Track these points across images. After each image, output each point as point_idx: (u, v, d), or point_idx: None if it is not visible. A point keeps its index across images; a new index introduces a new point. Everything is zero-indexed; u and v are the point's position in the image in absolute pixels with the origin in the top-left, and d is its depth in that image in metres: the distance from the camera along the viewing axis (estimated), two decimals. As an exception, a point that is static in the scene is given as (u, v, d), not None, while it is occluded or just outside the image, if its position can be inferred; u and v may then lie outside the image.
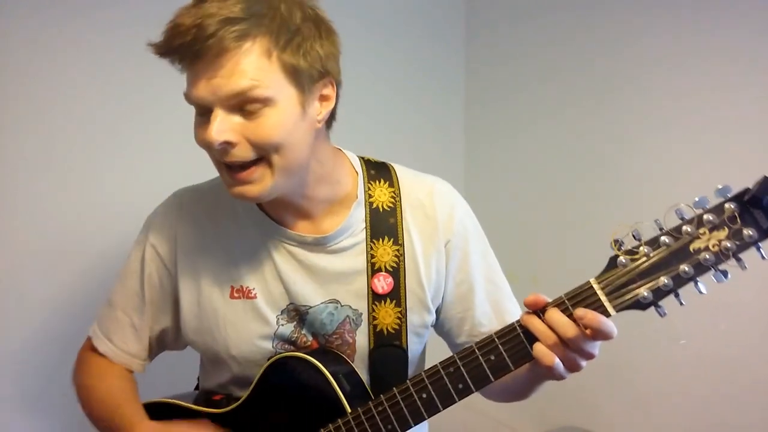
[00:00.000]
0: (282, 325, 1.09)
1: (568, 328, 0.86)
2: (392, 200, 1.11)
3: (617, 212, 1.81)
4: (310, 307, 1.09)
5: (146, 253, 1.13)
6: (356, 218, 1.09)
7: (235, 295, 1.09)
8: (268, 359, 1.08)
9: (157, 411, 1.13)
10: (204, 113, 0.93)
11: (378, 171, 1.13)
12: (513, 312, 1.14)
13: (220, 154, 0.93)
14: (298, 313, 1.10)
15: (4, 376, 1.59)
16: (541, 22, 2.02)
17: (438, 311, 1.15)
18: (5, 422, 1.59)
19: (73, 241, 1.62)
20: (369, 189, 1.11)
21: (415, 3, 2.17)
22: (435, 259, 1.11)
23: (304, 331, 1.10)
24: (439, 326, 1.18)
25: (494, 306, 1.14)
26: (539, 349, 0.87)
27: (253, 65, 0.89)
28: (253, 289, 1.09)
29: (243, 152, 0.93)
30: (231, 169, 0.95)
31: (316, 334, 1.10)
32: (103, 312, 1.19)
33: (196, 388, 1.30)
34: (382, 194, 1.11)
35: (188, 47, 0.87)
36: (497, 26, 2.18)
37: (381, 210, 1.10)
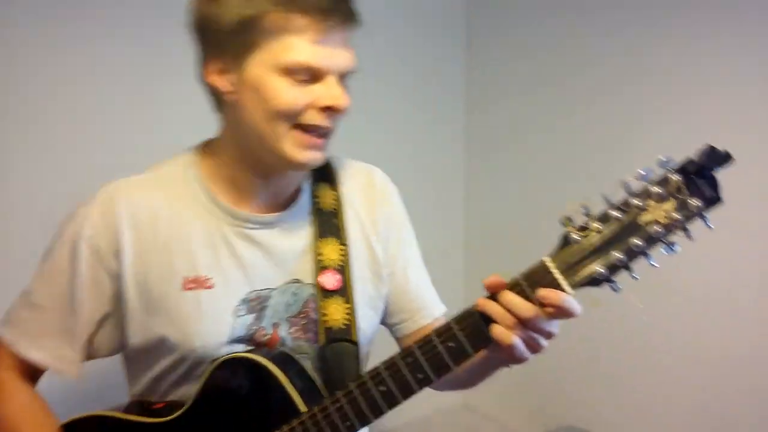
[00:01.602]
0: (240, 316, 1.05)
1: (525, 308, 0.86)
2: (334, 201, 1.13)
3: None
4: (273, 290, 1.07)
5: (79, 250, 1.04)
6: (305, 198, 1.13)
7: (189, 286, 1.04)
8: (212, 362, 1.03)
9: (89, 428, 1.05)
10: (310, 79, 0.97)
11: (321, 171, 1.15)
12: (434, 294, 1.22)
13: (329, 119, 0.99)
14: (258, 302, 1.07)
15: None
16: (542, 25, 2.04)
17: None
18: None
19: None
20: (315, 190, 1.14)
21: (417, 4, 2.19)
22: (379, 237, 1.15)
23: (263, 324, 1.07)
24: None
25: (424, 284, 1.21)
26: (498, 331, 0.86)
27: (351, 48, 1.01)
28: (210, 278, 1.04)
29: (335, 120, 1.01)
30: (311, 134, 1.00)
31: (277, 323, 1.08)
32: (23, 315, 1.08)
33: None
34: (326, 195, 1.14)
35: (346, 12, 0.97)
36: (498, 28, 2.21)
37: (325, 210, 1.13)
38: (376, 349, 1.16)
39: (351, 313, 1.08)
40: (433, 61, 2.22)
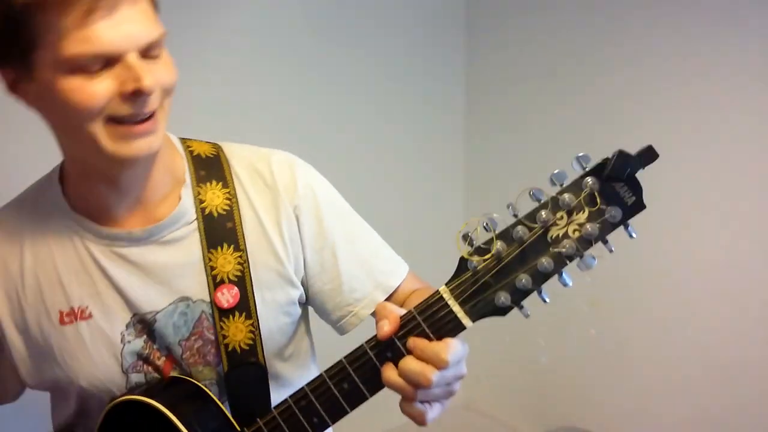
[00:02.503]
0: (128, 342, 0.96)
1: (425, 375, 0.74)
2: (227, 201, 0.98)
3: None
4: (157, 312, 0.96)
5: None
6: (187, 204, 0.97)
7: (66, 319, 0.94)
8: (107, 404, 0.94)
9: None
10: (105, 65, 0.81)
11: (208, 170, 0.99)
12: (386, 269, 1.03)
13: (140, 104, 0.83)
14: (144, 325, 0.96)
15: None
16: (542, 20, 2.02)
17: (305, 286, 1.02)
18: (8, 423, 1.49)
19: None
20: (199, 194, 0.98)
21: (416, 3, 2.17)
22: (286, 228, 0.98)
23: (156, 345, 0.97)
24: (313, 304, 1.05)
25: (364, 266, 1.02)
26: (406, 410, 0.77)
27: (150, 9, 0.85)
28: (87, 307, 0.94)
29: (156, 99, 0.85)
30: (133, 122, 0.84)
31: (169, 347, 0.97)
32: None
33: None
34: (214, 197, 0.98)
35: None
36: (498, 23, 2.18)
37: (216, 215, 0.97)
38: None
39: (255, 329, 0.96)
40: (433, 58, 2.19)
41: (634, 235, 0.73)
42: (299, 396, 0.84)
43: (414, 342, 0.74)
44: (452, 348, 0.74)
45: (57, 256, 0.95)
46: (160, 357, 0.97)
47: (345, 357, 0.81)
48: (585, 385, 1.70)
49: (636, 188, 0.71)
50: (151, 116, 0.85)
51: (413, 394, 0.75)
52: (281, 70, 2.00)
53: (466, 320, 0.74)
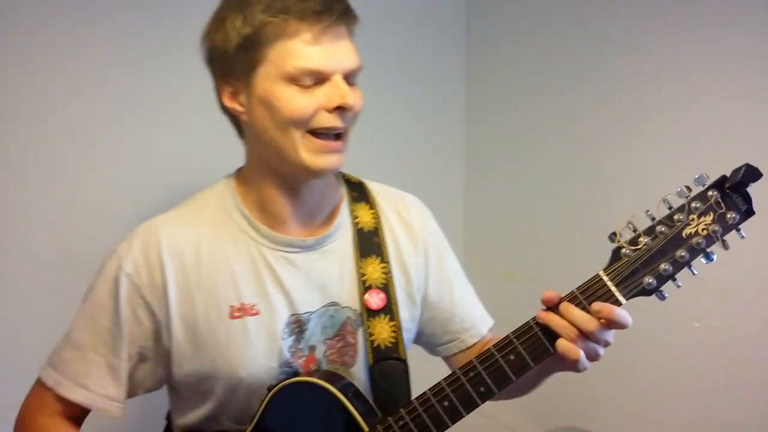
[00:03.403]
0: (284, 339, 1.07)
1: (587, 321, 0.91)
2: (374, 220, 1.15)
3: (617, 216, 1.78)
4: (312, 313, 1.09)
5: (121, 287, 1.04)
6: (345, 218, 1.15)
7: (236, 314, 1.05)
8: (268, 388, 1.04)
9: None
10: (316, 82, 0.98)
11: (359, 192, 1.18)
12: (480, 308, 1.24)
13: (340, 119, 1.00)
14: (298, 325, 1.08)
15: (8, 377, 1.43)
16: (543, 27, 2.02)
17: (421, 310, 1.19)
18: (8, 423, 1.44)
19: (73, 242, 1.57)
20: (353, 210, 1.16)
21: (416, 8, 2.17)
22: (416, 260, 1.17)
23: (301, 346, 1.09)
24: (422, 329, 1.20)
25: (472, 303, 1.23)
26: (563, 345, 0.91)
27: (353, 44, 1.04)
28: (255, 304, 1.06)
29: (350, 119, 1.02)
30: (325, 138, 1.00)
31: (314, 345, 1.09)
32: (65, 355, 1.07)
33: (166, 429, 1.21)
34: (364, 215, 1.16)
35: (341, 10, 0.99)
36: (499, 31, 2.17)
37: (366, 230, 1.14)
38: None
39: (397, 330, 1.11)
40: (433, 65, 2.22)
41: (744, 235, 0.94)
42: (467, 368, 0.97)
43: (600, 304, 0.91)
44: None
45: (232, 255, 1.06)
46: (302, 356, 1.09)
47: (511, 333, 0.96)
48: (586, 385, 1.62)
49: (747, 198, 0.93)
50: (341, 136, 1.02)
51: (576, 337, 0.92)
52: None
53: (621, 298, 0.93)
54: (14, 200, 1.50)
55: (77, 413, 1.08)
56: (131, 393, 1.10)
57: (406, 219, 1.19)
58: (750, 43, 1.54)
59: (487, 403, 1.18)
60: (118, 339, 1.05)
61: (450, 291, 1.20)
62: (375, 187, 1.21)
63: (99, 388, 1.05)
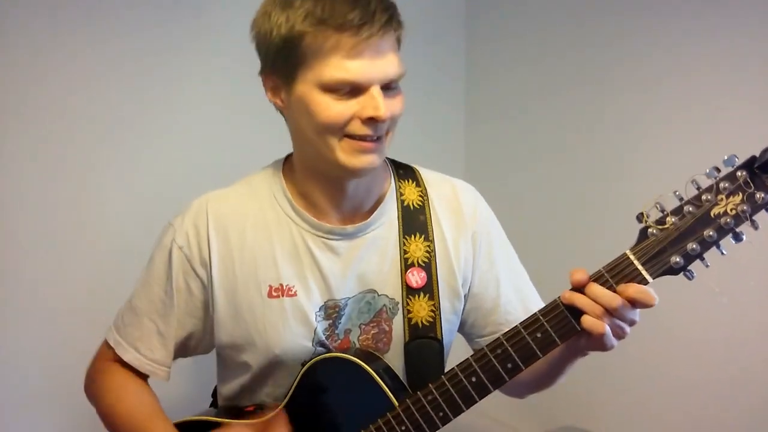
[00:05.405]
0: (318, 322, 1.11)
1: (612, 299, 0.92)
2: (420, 198, 1.16)
3: (618, 214, 1.77)
4: (349, 298, 1.12)
5: (173, 258, 1.12)
6: (389, 207, 1.14)
7: (274, 294, 1.10)
8: (302, 364, 1.08)
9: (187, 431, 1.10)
10: (352, 92, 0.99)
11: (405, 171, 1.19)
12: (533, 298, 1.20)
13: (372, 128, 1.00)
14: (335, 310, 1.11)
15: (8, 378, 1.57)
16: (543, 24, 2.03)
17: (465, 301, 1.18)
18: (9, 423, 1.57)
19: (80, 240, 1.63)
20: (400, 187, 1.16)
21: (416, 9, 2.21)
22: (463, 250, 1.16)
23: (337, 330, 1.12)
24: (464, 318, 1.21)
25: (518, 293, 1.20)
26: (589, 321, 0.93)
27: (397, 50, 1.04)
28: (294, 286, 1.10)
29: (386, 126, 1.03)
30: (362, 140, 1.02)
31: (349, 329, 1.12)
32: (125, 319, 1.16)
33: (212, 405, 1.27)
34: (411, 193, 1.17)
35: (384, 21, 0.98)
36: (498, 32, 2.19)
37: (411, 208, 1.15)
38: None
39: (436, 310, 1.12)
40: (433, 61, 2.21)
41: (774, 215, 0.94)
42: (494, 345, 0.99)
43: (627, 285, 0.92)
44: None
45: (275, 237, 1.11)
46: (337, 339, 1.12)
47: (539, 311, 0.98)
48: (585, 385, 1.66)
49: (776, 179, 0.93)
50: (379, 138, 1.04)
51: (601, 314, 0.92)
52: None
53: (648, 276, 0.93)
54: (15, 200, 1.57)
55: (136, 370, 1.16)
56: (182, 354, 1.18)
57: (455, 208, 1.17)
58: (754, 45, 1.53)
59: (488, 403, 1.18)
60: (170, 307, 1.12)
61: (496, 282, 1.18)
62: (425, 172, 1.21)
63: (148, 352, 1.13)
